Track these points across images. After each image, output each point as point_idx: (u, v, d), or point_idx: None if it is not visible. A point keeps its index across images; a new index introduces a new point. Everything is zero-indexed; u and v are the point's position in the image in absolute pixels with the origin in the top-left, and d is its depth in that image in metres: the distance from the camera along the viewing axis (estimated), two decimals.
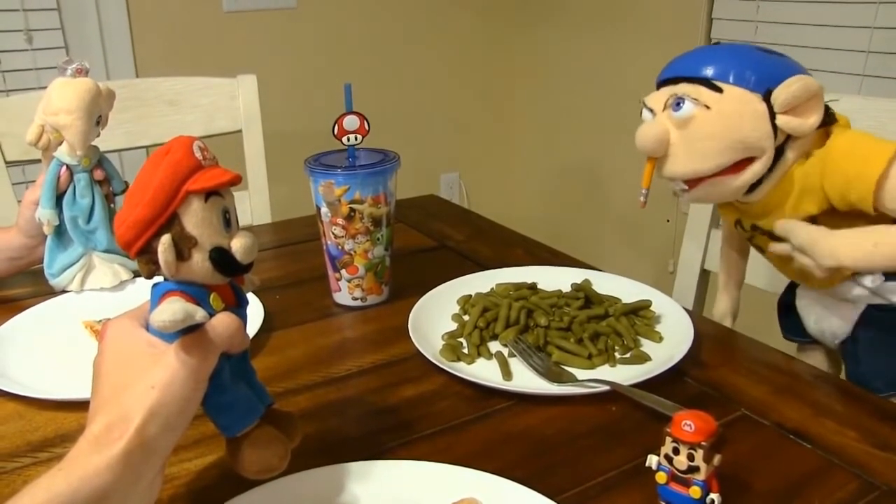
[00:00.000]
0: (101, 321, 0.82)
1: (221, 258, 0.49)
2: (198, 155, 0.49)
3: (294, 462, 0.54)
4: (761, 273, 1.00)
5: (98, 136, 0.89)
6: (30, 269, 0.96)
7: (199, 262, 0.48)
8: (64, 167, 0.87)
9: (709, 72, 0.68)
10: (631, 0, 2.26)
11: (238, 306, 0.54)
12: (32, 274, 0.95)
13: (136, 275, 0.93)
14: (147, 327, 0.51)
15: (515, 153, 2.81)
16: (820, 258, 0.67)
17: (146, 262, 0.48)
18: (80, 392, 0.70)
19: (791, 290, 0.84)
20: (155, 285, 0.51)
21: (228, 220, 0.50)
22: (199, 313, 0.47)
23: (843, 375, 0.83)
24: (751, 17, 1.91)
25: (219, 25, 2.17)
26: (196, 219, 0.48)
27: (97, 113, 0.87)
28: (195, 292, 0.49)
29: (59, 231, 0.90)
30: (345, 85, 0.84)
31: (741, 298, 0.93)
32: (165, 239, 0.47)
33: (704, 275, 1.14)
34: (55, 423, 0.68)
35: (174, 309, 0.45)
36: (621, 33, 2.30)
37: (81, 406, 0.69)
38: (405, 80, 2.53)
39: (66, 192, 0.89)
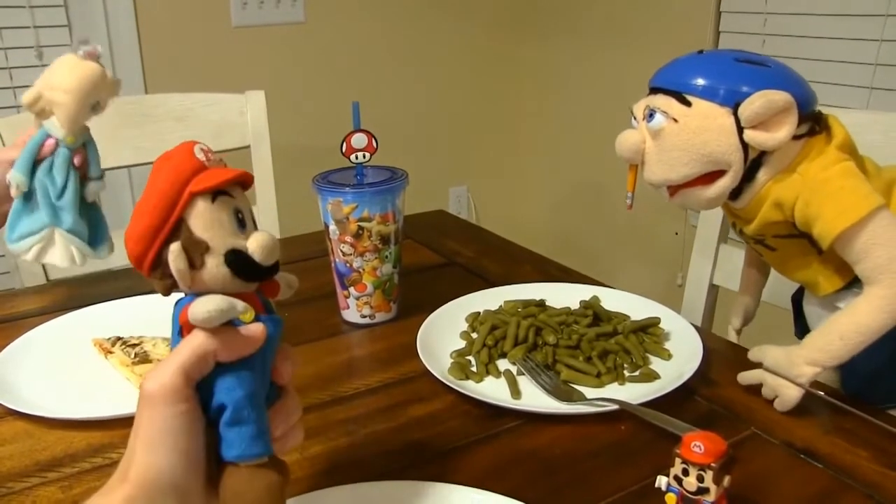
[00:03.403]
0: (110, 339, 0.83)
1: (237, 260, 0.45)
2: (200, 157, 0.46)
3: (301, 483, 0.54)
4: (767, 286, 1.00)
5: (90, 118, 0.88)
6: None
7: (215, 268, 0.44)
8: (50, 137, 0.84)
9: (682, 84, 0.69)
10: (638, 14, 2.27)
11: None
12: (40, 292, 0.95)
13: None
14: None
15: (523, 166, 2.82)
16: (797, 373, 0.68)
17: (160, 276, 0.45)
18: (90, 411, 0.71)
19: (802, 288, 0.84)
20: (176, 303, 0.47)
21: (242, 221, 0.46)
22: (240, 304, 0.44)
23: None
24: (758, 31, 1.91)
25: (228, 41, 2.18)
26: (204, 221, 0.44)
27: (94, 99, 0.85)
28: None
29: (28, 195, 0.85)
30: (353, 103, 0.85)
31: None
32: (174, 247, 0.44)
33: (713, 289, 1.13)
34: (64, 443, 0.68)
35: (217, 299, 0.43)
36: (628, 47, 2.30)
37: (91, 425, 0.69)
38: (413, 93, 2.54)
39: (44, 160, 0.85)
